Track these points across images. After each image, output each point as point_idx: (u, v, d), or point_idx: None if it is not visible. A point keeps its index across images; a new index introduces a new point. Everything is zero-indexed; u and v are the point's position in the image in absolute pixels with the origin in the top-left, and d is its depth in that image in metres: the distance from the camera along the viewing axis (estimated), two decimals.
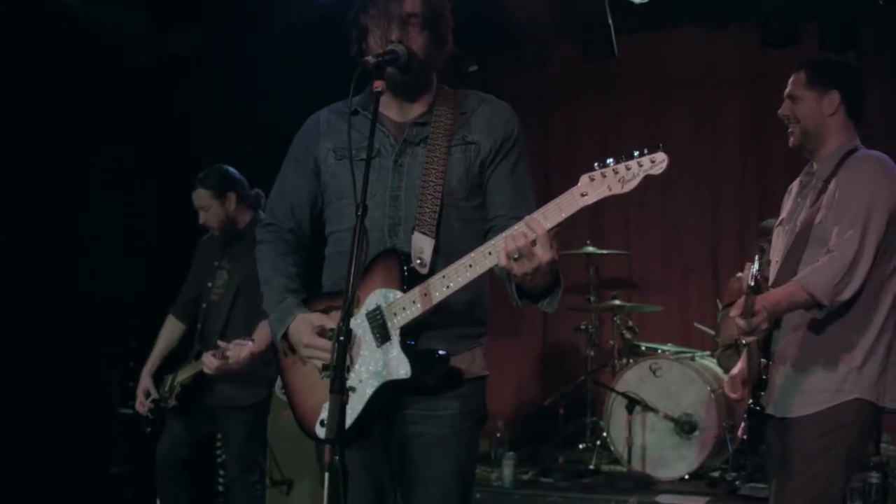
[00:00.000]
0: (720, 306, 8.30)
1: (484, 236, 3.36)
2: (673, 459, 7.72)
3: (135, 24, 8.03)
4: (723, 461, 7.83)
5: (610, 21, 8.95)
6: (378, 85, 3.12)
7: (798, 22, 9.01)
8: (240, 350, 5.23)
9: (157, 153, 7.65)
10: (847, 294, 3.98)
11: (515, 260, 2.97)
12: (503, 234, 3.04)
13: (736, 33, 9.88)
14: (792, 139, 4.50)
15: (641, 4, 8.86)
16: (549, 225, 2.99)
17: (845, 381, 4.06)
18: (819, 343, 4.14)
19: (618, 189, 2.96)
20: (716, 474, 7.83)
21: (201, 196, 5.83)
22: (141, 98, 7.63)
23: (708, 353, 8.37)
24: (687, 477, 7.69)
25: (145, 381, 5.98)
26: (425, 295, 3.18)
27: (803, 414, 4.12)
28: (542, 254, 2.97)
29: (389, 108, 3.44)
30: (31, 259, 7.11)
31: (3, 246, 6.91)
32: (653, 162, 2.95)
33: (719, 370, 8.01)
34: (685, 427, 7.67)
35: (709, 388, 7.66)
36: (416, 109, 3.46)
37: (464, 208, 3.41)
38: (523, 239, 2.96)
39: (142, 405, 5.93)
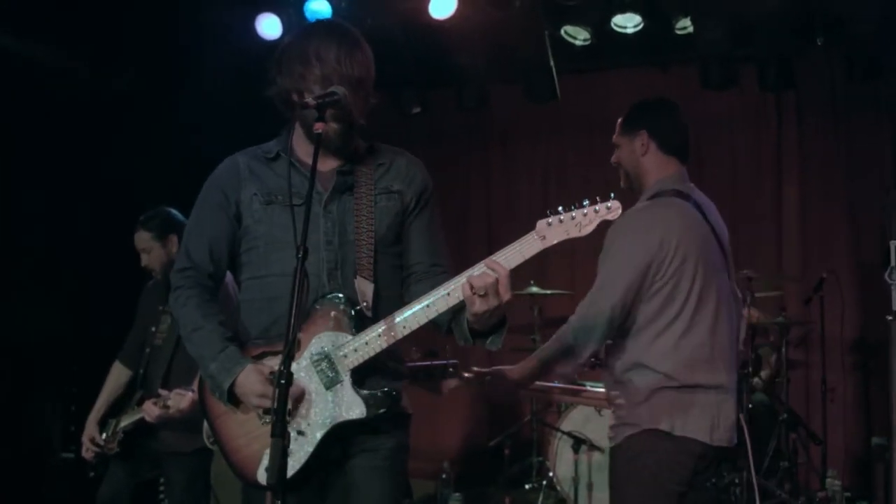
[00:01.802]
0: None
1: (403, 281, 3.52)
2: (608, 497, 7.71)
3: (74, 65, 7.98)
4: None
5: (552, 63, 9.02)
6: (319, 127, 3.12)
7: (736, 64, 9.13)
8: (180, 399, 5.20)
9: (96, 195, 7.58)
10: (584, 356, 4.37)
11: (481, 297, 3.08)
12: (464, 274, 3.16)
13: (675, 74, 9.99)
14: (622, 182, 4.67)
15: (582, 46, 8.95)
16: (509, 267, 3.12)
17: (632, 416, 4.24)
18: (611, 382, 4.41)
19: (575, 233, 3.13)
20: None
21: (142, 238, 5.80)
22: (78, 138, 7.57)
23: None
24: None
25: (91, 427, 5.91)
26: (380, 335, 3.25)
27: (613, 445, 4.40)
28: (504, 292, 3.10)
29: (307, 156, 3.37)
30: None
31: None
32: (608, 209, 3.14)
33: None
34: None
35: None
36: (337, 160, 3.50)
37: (390, 254, 3.51)
38: (491, 277, 3.06)
39: (87, 451, 5.85)
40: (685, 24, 8.63)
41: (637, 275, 4.20)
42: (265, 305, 3.44)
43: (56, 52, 7.82)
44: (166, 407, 5.23)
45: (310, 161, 3.38)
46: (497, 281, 3.08)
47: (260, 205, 3.47)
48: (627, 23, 8.72)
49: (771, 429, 8.06)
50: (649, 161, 4.47)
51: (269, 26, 8.44)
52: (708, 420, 4.21)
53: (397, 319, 3.25)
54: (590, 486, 7.65)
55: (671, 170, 4.48)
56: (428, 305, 3.22)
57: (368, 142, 3.62)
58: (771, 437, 8.01)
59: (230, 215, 3.53)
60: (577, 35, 8.92)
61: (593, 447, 7.75)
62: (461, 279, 3.17)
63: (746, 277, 8.02)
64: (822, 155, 9.59)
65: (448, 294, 3.21)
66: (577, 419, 7.87)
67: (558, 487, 7.98)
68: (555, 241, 3.12)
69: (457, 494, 7.75)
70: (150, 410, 5.30)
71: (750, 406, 7.64)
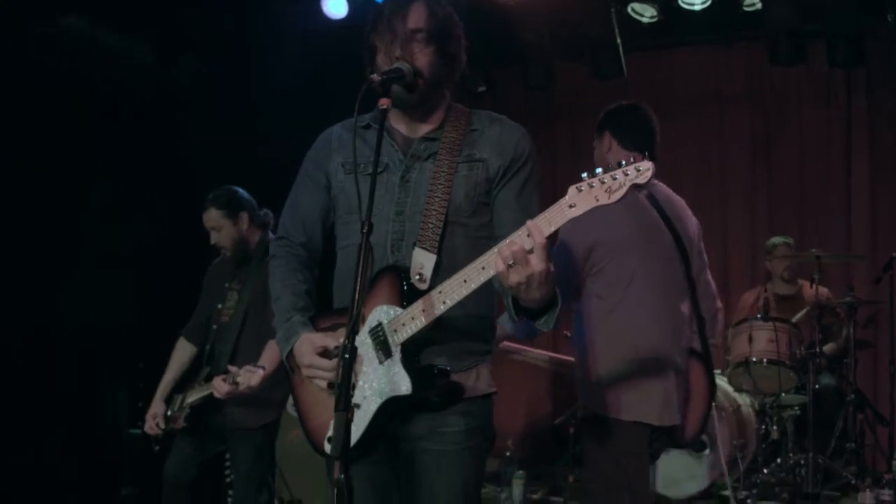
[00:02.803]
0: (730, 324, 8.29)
1: None
2: (683, 479, 7.67)
3: (139, 52, 8.05)
4: (734, 480, 7.79)
5: (618, 41, 8.97)
6: (383, 103, 3.12)
7: (805, 40, 9.03)
8: (250, 377, 5.22)
9: (159, 180, 7.65)
10: None
11: (510, 266, 2.93)
12: (497, 246, 3.01)
13: (743, 51, 9.91)
14: None
15: (649, 23, 8.89)
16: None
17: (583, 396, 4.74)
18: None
19: (605, 199, 2.93)
20: (726, 493, 7.80)
21: (213, 216, 5.80)
22: (143, 126, 7.64)
23: (718, 371, 8.34)
24: (697, 496, 7.66)
25: (157, 405, 5.97)
26: (424, 311, 3.16)
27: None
28: (537, 262, 2.93)
29: (400, 123, 3.45)
30: (35, 287, 7.10)
31: (8, 273, 6.92)
32: (638, 171, 2.91)
33: (730, 388, 7.99)
34: (696, 446, 7.62)
35: (719, 407, 7.63)
36: (427, 125, 3.45)
37: (469, 225, 3.38)
38: (518, 245, 2.93)
39: (151, 428, 5.92)
40: (753, 1, 8.56)
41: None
42: (344, 275, 3.46)
43: (122, 38, 7.87)
44: (236, 384, 5.26)
45: (400, 129, 3.43)
46: (522, 248, 2.95)
47: (343, 174, 3.47)
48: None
49: (838, 409, 7.99)
50: (612, 158, 4.78)
51: (335, 5, 8.44)
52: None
53: (437, 294, 3.14)
54: (653, 467, 7.61)
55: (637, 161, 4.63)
56: (465, 281, 3.08)
57: (471, 109, 3.55)
58: (837, 419, 7.94)
59: (321, 186, 3.55)
60: (644, 12, 8.88)
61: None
62: (494, 252, 3.02)
63: (815, 256, 7.94)
64: (892, 132, 9.45)
65: (483, 268, 3.05)
66: None
67: None
68: (583, 210, 2.94)
69: (521, 472, 7.77)
70: (220, 387, 5.34)
71: (816, 387, 7.59)
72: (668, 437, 4.75)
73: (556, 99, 10.42)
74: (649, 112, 4.88)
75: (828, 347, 8.40)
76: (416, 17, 3.32)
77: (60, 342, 7.31)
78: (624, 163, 2.94)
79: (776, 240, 9.02)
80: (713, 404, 7.57)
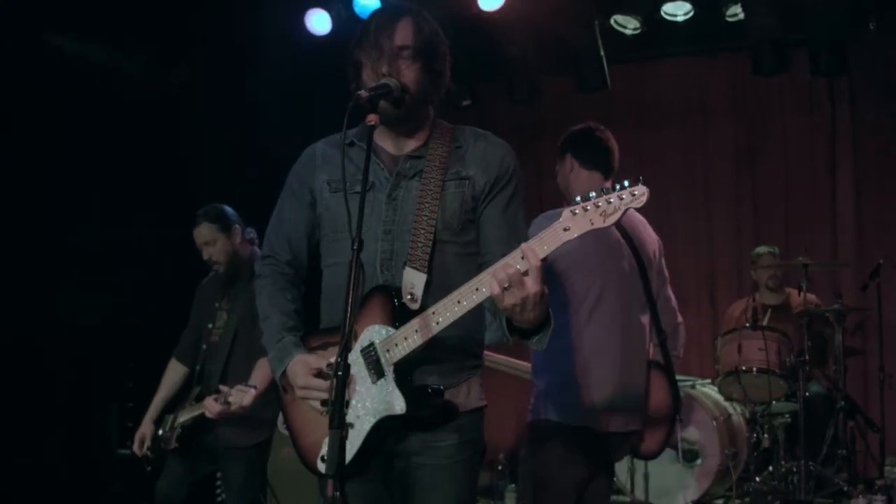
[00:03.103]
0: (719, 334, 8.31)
1: (478, 271, 3.27)
2: (676, 488, 7.69)
3: (127, 63, 8.05)
4: (726, 489, 7.81)
5: (602, 53, 9.00)
6: (371, 119, 3.12)
7: (788, 49, 9.07)
8: (242, 396, 5.21)
9: (152, 193, 7.65)
10: None
11: (506, 289, 2.95)
12: (492, 268, 3.02)
13: (726, 61, 9.96)
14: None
15: (632, 35, 8.93)
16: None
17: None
18: None
19: (599, 223, 2.95)
20: (719, 502, 7.81)
21: (206, 230, 5.76)
22: (135, 136, 7.65)
23: (708, 380, 8.36)
24: None
25: (146, 426, 5.95)
26: (418, 331, 3.16)
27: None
28: (532, 284, 2.95)
29: (385, 141, 3.45)
30: (23, 301, 7.09)
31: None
32: (633, 195, 2.93)
33: (720, 397, 8.01)
34: (687, 455, 7.64)
35: (710, 416, 7.65)
36: (412, 143, 3.45)
37: (457, 243, 3.39)
38: (514, 268, 2.95)
39: (139, 449, 5.90)
40: (735, 11, 8.59)
41: None
42: (334, 293, 3.45)
43: (110, 51, 7.89)
44: (228, 403, 5.25)
45: (385, 147, 3.42)
46: (518, 272, 2.94)
47: (329, 192, 3.46)
48: (677, 11, 8.72)
49: (828, 417, 8.01)
50: (574, 178, 5.00)
51: (318, 21, 8.49)
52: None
53: (431, 314, 3.15)
54: (646, 477, 7.62)
55: (594, 183, 4.85)
56: (459, 301, 3.09)
57: (456, 125, 3.56)
58: (828, 426, 7.96)
59: (306, 203, 3.55)
60: (627, 24, 8.92)
61: None
62: (489, 273, 3.03)
63: (801, 264, 7.97)
64: (875, 140, 9.50)
65: (477, 289, 3.06)
66: None
67: (614, 477, 7.97)
68: (578, 233, 2.97)
69: (513, 486, 7.77)
70: (212, 407, 5.33)
71: (806, 394, 7.61)
72: (625, 445, 4.84)
73: (540, 112, 10.43)
74: (605, 133, 5.07)
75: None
76: (403, 34, 3.33)
77: (51, 359, 7.30)
78: (618, 186, 2.95)
79: (760, 249, 9.06)
80: (709, 416, 7.64)
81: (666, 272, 5.19)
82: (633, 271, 4.87)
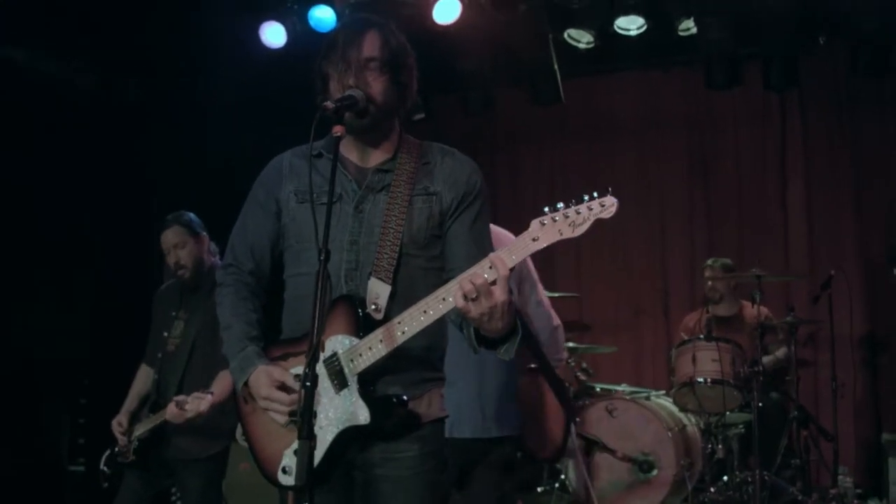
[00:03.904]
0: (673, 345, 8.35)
1: (442, 285, 3.30)
2: (633, 499, 7.72)
3: (81, 77, 8.00)
4: (682, 499, 7.85)
5: (556, 66, 9.04)
6: (337, 130, 3.15)
7: (740, 63, 9.16)
8: (199, 402, 5.18)
9: (106, 206, 7.61)
10: None
11: (473, 300, 2.97)
12: (459, 277, 3.04)
13: (679, 76, 10.04)
14: None
15: (586, 49, 8.98)
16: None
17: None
18: None
19: (568, 233, 2.99)
20: None
21: (175, 233, 5.67)
22: (88, 150, 7.60)
23: (663, 392, 8.41)
24: None
25: (122, 415, 5.81)
26: (381, 341, 3.18)
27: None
28: (500, 294, 2.98)
29: (351, 152, 3.46)
30: None
31: None
32: (602, 206, 2.98)
33: (675, 409, 8.05)
34: (644, 466, 7.67)
35: (666, 427, 7.69)
36: (379, 155, 3.47)
37: (423, 257, 3.41)
38: (482, 278, 2.97)
39: (119, 433, 5.77)
40: (688, 25, 8.66)
41: None
42: (296, 305, 3.46)
43: (63, 63, 7.84)
44: (184, 410, 5.21)
45: (351, 159, 3.44)
46: (486, 281, 2.98)
47: (295, 203, 3.47)
48: (630, 25, 8.76)
49: (782, 426, 8.06)
50: None
51: (273, 34, 8.45)
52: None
53: (396, 324, 3.17)
54: (602, 489, 7.65)
55: None
56: (425, 311, 3.13)
57: (426, 140, 3.59)
58: (782, 435, 8.02)
59: (271, 213, 3.55)
60: (581, 38, 8.95)
61: (605, 449, 7.76)
62: (456, 282, 3.07)
63: (755, 276, 8.03)
64: (826, 152, 9.62)
65: (444, 299, 3.10)
66: (590, 421, 7.88)
67: (571, 489, 8.00)
68: (546, 243, 3.00)
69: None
70: (175, 414, 5.28)
71: (760, 404, 7.66)
72: (512, 449, 4.89)
73: (494, 126, 10.48)
74: None
75: (766, 360, 8.47)
76: (371, 46, 3.35)
77: (2, 374, 7.20)
78: (587, 198, 2.99)
79: (715, 261, 9.06)
80: (664, 427, 7.68)
81: (535, 275, 5.14)
82: None
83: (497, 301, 2.98)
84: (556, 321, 5.22)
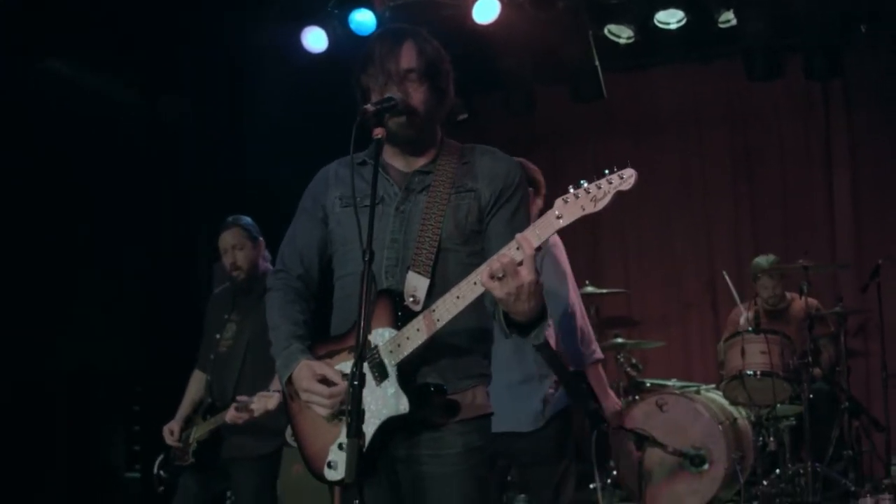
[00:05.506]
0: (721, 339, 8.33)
1: None
2: (685, 494, 7.70)
3: (128, 94, 8.08)
4: (734, 493, 7.83)
5: (597, 63, 9.04)
6: (378, 132, 3.21)
7: (781, 54, 9.11)
8: (266, 401, 5.25)
9: (155, 219, 7.67)
10: None
11: (499, 279, 3.01)
12: (488, 261, 3.09)
13: (720, 68, 10.00)
14: None
15: (626, 44, 8.97)
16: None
17: None
18: None
19: (590, 208, 3.03)
20: None
21: (235, 235, 5.79)
22: (131, 166, 7.67)
23: (713, 385, 8.39)
24: None
25: (175, 423, 5.87)
26: (419, 329, 3.23)
27: None
28: (526, 273, 3.01)
29: (395, 159, 3.53)
30: (28, 330, 7.09)
31: (4, 315, 6.91)
32: (622, 178, 3.01)
33: (725, 402, 8.03)
34: (695, 461, 7.65)
35: (716, 421, 7.67)
36: (421, 160, 3.53)
37: (461, 252, 3.44)
38: (508, 257, 3.02)
39: (170, 439, 5.83)
40: (728, 18, 8.63)
41: None
42: (343, 304, 3.53)
43: (110, 81, 7.92)
44: (250, 410, 5.27)
45: (395, 165, 3.49)
46: (512, 261, 3.02)
47: (340, 207, 3.55)
48: (670, 19, 8.75)
49: (833, 418, 8.02)
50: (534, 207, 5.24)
51: (314, 39, 8.48)
52: None
53: (433, 312, 3.21)
54: (653, 483, 7.64)
55: None
56: (458, 297, 3.16)
57: (466, 143, 3.64)
58: (833, 426, 7.98)
59: (318, 220, 3.63)
60: (621, 33, 8.95)
61: (656, 444, 7.74)
62: (486, 265, 3.10)
63: (802, 267, 7.99)
64: (871, 141, 9.55)
65: (475, 283, 3.13)
66: (639, 416, 7.86)
67: (623, 485, 7.98)
68: (570, 220, 3.05)
69: (522, 496, 7.75)
70: (235, 416, 5.34)
71: (811, 396, 7.63)
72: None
73: (536, 123, 10.46)
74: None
75: (823, 361, 8.44)
76: (408, 57, 3.41)
77: (56, 385, 7.30)
78: (608, 172, 3.03)
79: (759, 263, 8.87)
80: (715, 421, 7.67)
81: (565, 268, 5.43)
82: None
83: (524, 281, 3.01)
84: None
